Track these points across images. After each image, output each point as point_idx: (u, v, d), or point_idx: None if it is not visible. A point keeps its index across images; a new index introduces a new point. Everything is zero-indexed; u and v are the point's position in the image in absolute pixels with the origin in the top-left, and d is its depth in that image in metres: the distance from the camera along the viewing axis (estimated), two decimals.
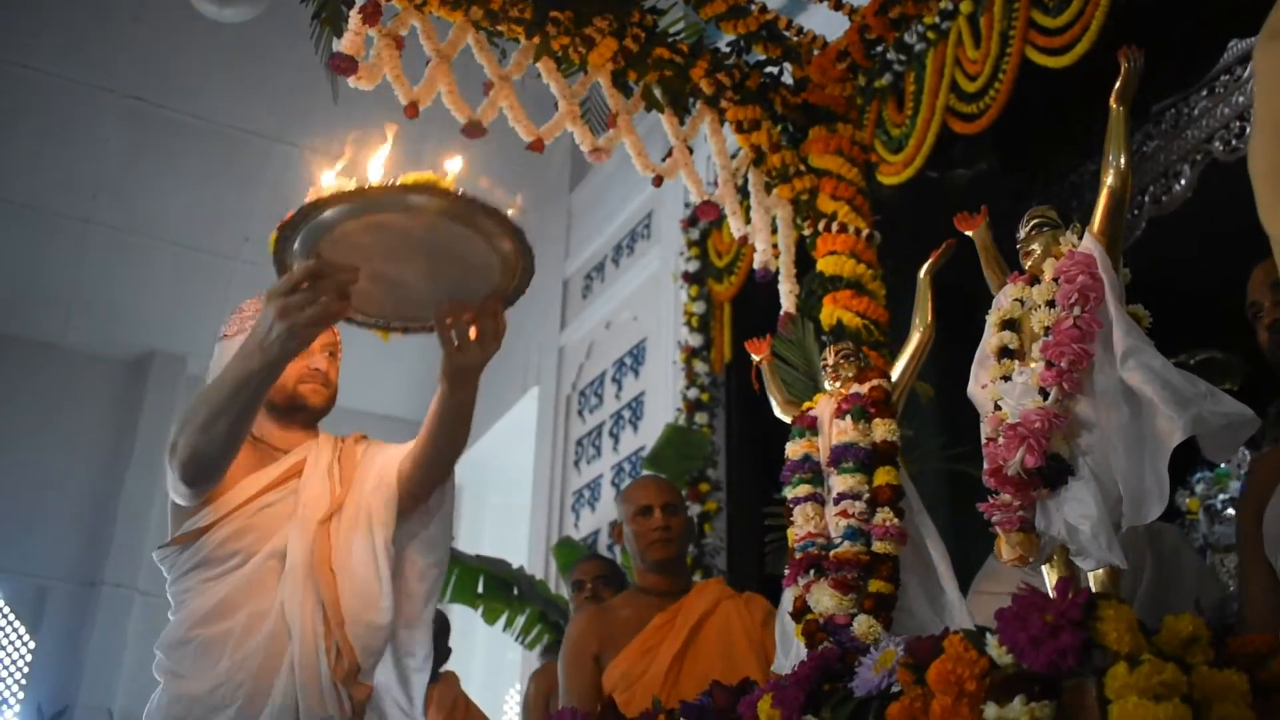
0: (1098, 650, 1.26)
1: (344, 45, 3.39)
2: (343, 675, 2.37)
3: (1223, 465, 4.62)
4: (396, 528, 2.54)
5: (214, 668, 2.35)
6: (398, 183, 1.95)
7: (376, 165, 2.05)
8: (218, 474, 2.36)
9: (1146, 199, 4.83)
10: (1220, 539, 4.52)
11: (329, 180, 2.00)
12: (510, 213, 2.05)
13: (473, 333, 2.20)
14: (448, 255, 2.07)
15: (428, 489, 2.60)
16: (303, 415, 2.67)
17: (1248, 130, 4.54)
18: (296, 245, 1.98)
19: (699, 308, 6.22)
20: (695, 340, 6.21)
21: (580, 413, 8.05)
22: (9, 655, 9.20)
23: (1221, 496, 4.60)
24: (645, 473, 5.95)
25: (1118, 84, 2.20)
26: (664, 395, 6.88)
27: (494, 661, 9.08)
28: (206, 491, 2.41)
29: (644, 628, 3.52)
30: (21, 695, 9.08)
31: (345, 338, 2.76)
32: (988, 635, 1.36)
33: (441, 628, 4.58)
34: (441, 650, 4.48)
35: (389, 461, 2.61)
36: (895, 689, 1.47)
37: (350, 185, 1.95)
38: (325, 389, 2.68)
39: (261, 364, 2.09)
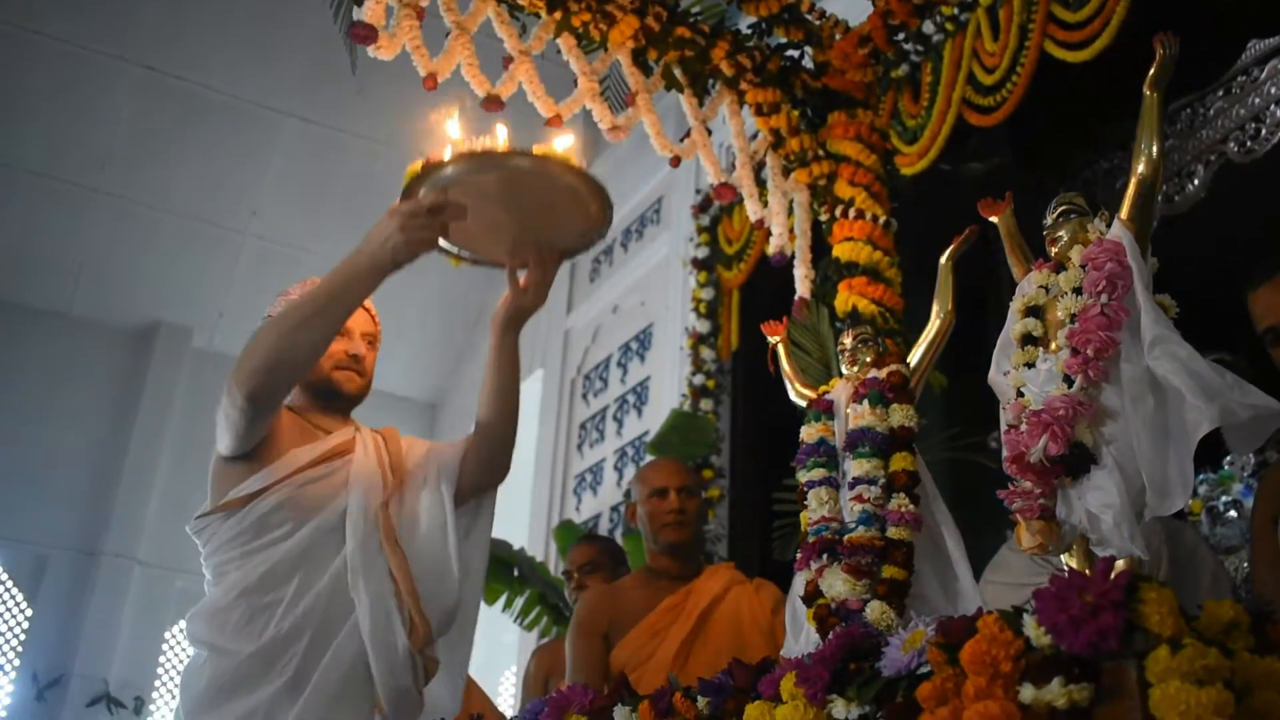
0: (1139, 633, 1.24)
1: (365, 14, 3.38)
2: (419, 644, 2.42)
3: (1226, 467, 4.61)
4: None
5: (260, 637, 2.35)
6: (533, 150, 2.33)
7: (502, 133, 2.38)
8: (288, 388, 2.46)
9: (1159, 198, 4.82)
10: (1222, 540, 4.51)
11: (456, 131, 2.38)
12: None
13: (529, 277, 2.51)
14: (542, 207, 2.41)
15: (491, 467, 2.68)
16: (338, 403, 2.69)
17: (1263, 132, 4.53)
18: (426, 184, 2.33)
19: (707, 294, 6.22)
20: (703, 326, 6.21)
21: (585, 396, 8.04)
22: (5, 623, 9.17)
23: (1224, 498, 4.58)
24: (649, 457, 5.95)
25: (1152, 70, 2.18)
26: (669, 381, 6.88)
27: (491, 642, 9.08)
28: (266, 416, 2.44)
29: (654, 609, 3.51)
30: (17, 663, 9.07)
31: None
32: (1024, 616, 1.35)
33: None
34: None
35: (442, 449, 2.71)
36: (924, 669, 1.46)
37: (484, 146, 2.32)
38: (360, 377, 2.71)
39: (370, 267, 2.32)
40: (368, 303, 2.75)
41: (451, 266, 2.60)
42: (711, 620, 3.49)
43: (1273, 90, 4.53)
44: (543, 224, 2.47)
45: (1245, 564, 4.12)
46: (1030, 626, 1.33)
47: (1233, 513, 4.45)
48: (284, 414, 2.57)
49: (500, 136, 2.35)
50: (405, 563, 2.48)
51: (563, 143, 2.41)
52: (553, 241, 2.51)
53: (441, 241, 2.45)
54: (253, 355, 2.34)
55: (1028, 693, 1.27)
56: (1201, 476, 4.63)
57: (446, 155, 2.32)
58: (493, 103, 3.67)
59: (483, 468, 2.66)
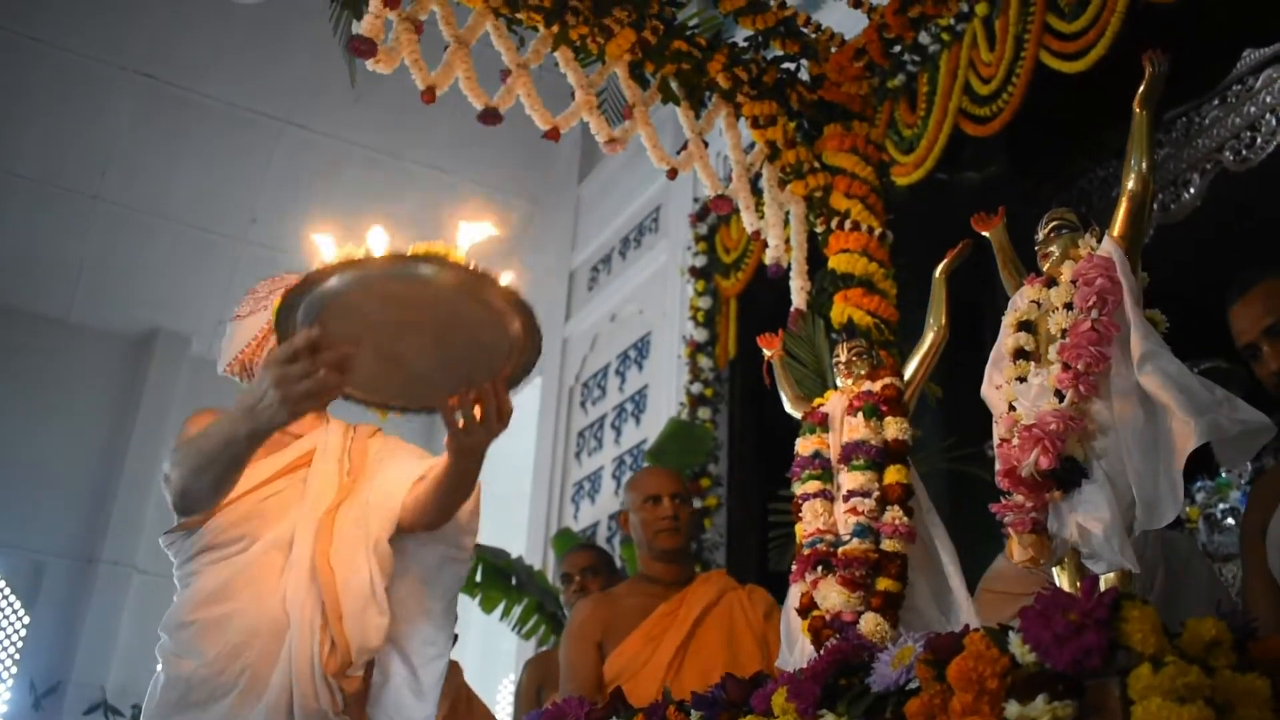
0: (1122, 651, 1.26)
1: (364, 28, 3.39)
2: (334, 669, 2.35)
3: (1224, 474, 4.61)
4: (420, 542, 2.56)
5: (215, 648, 2.34)
6: (407, 253, 1.88)
7: (381, 236, 1.97)
8: (208, 509, 2.36)
9: (1155, 207, 4.84)
10: (1220, 548, 4.51)
11: (331, 250, 1.95)
12: (516, 287, 1.97)
13: (477, 413, 2.14)
14: (454, 332, 2.01)
15: (426, 530, 2.56)
16: None
17: (1259, 140, 4.55)
18: (300, 313, 1.92)
19: (705, 303, 6.23)
20: (700, 335, 6.22)
21: (583, 404, 8.05)
22: (3, 630, 9.18)
23: (1221, 506, 4.59)
24: (648, 465, 5.97)
25: (1142, 88, 2.20)
26: (667, 389, 6.88)
27: (488, 650, 9.09)
28: (200, 518, 2.41)
29: (648, 616, 3.53)
30: (14, 670, 9.07)
31: None
32: (1010, 633, 1.36)
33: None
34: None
35: (397, 480, 2.55)
36: (913, 685, 1.47)
37: (358, 254, 1.89)
38: None
39: (248, 431, 2.06)
40: None
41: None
42: (704, 627, 3.51)
43: (1268, 99, 4.55)
44: (461, 348, 2.05)
45: (1243, 572, 4.13)
46: (1016, 644, 1.34)
47: (1230, 520, 4.47)
48: None
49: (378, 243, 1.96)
50: (334, 582, 2.39)
51: (475, 232, 2.03)
52: (481, 368, 2.08)
53: (349, 390, 2.06)
54: (173, 481, 2.27)
55: (1013, 709, 1.29)
56: (1199, 484, 4.64)
57: (300, 281, 1.90)
58: (491, 116, 3.68)
59: (417, 527, 2.54)
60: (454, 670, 4.50)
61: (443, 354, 2.04)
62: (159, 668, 2.44)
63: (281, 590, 2.38)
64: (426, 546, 2.58)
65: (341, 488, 2.52)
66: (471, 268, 1.90)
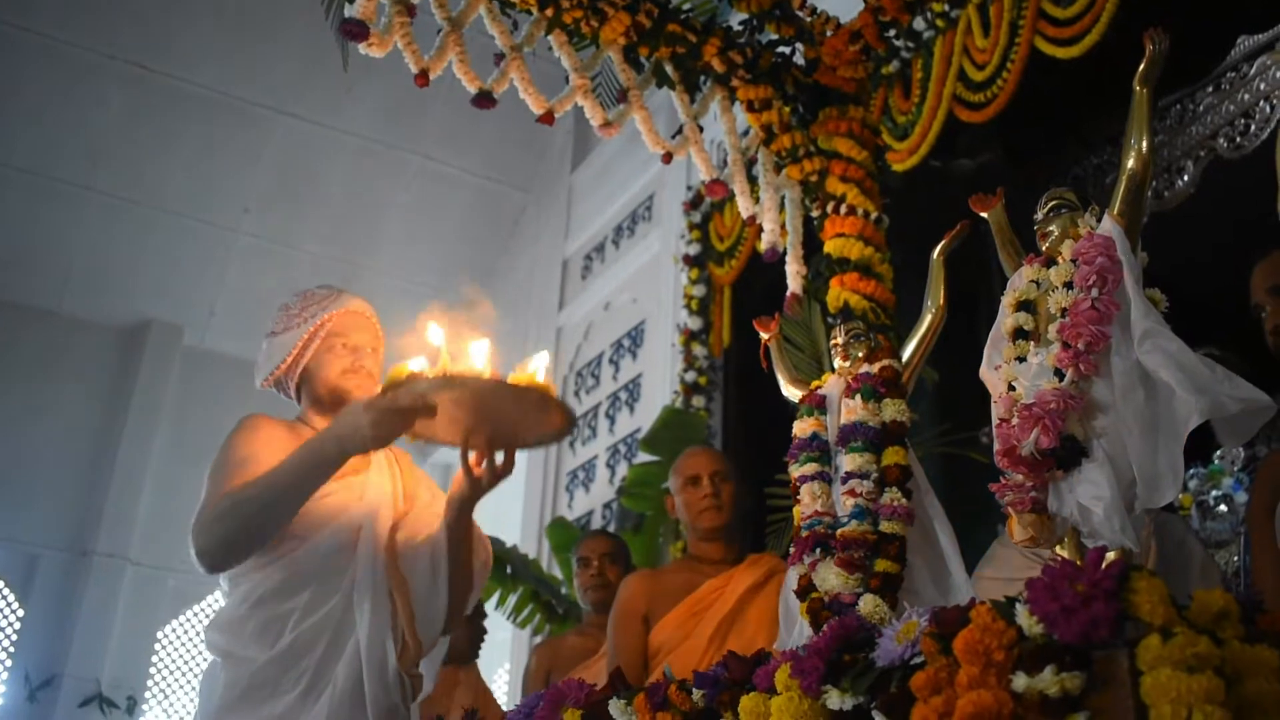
0: (1130, 621, 1.26)
1: (357, 10, 3.37)
2: (407, 665, 2.49)
3: (1216, 461, 4.61)
4: None
5: (274, 646, 2.42)
6: (510, 380, 2.39)
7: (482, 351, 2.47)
8: (248, 558, 2.50)
9: (1149, 193, 4.83)
10: (1212, 535, 4.51)
11: (438, 338, 2.44)
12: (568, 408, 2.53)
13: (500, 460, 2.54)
14: (508, 415, 2.47)
15: None
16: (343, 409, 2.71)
17: (1253, 128, 4.54)
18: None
19: (699, 291, 6.23)
20: (694, 323, 6.23)
21: (577, 393, 8.05)
22: None
23: (1214, 493, 4.58)
24: (642, 454, 5.97)
25: (1142, 66, 2.20)
26: (661, 378, 6.88)
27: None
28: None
29: (695, 591, 3.54)
30: (9, 664, 9.04)
31: None
32: (1017, 605, 1.36)
33: (478, 614, 4.66)
34: (478, 636, 4.64)
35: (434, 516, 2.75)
36: (918, 660, 1.47)
37: (472, 372, 2.39)
38: (369, 381, 2.74)
39: (337, 454, 2.43)
40: (369, 312, 2.81)
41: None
42: (752, 604, 3.50)
43: (1262, 86, 4.54)
44: (504, 424, 2.51)
45: (1235, 558, 4.13)
46: (1023, 616, 1.34)
47: (1223, 507, 4.46)
48: (290, 432, 2.63)
49: (479, 354, 2.44)
50: (406, 585, 2.54)
51: (539, 361, 2.50)
52: (509, 437, 2.54)
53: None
54: (212, 530, 2.41)
55: (1020, 681, 1.28)
56: (1192, 471, 4.64)
57: (428, 370, 2.39)
58: (484, 99, 3.67)
59: None
60: (474, 668, 4.57)
61: (491, 420, 2.49)
62: (215, 664, 2.52)
63: (344, 590, 2.49)
64: None
65: (398, 510, 2.67)
66: (541, 388, 2.42)
